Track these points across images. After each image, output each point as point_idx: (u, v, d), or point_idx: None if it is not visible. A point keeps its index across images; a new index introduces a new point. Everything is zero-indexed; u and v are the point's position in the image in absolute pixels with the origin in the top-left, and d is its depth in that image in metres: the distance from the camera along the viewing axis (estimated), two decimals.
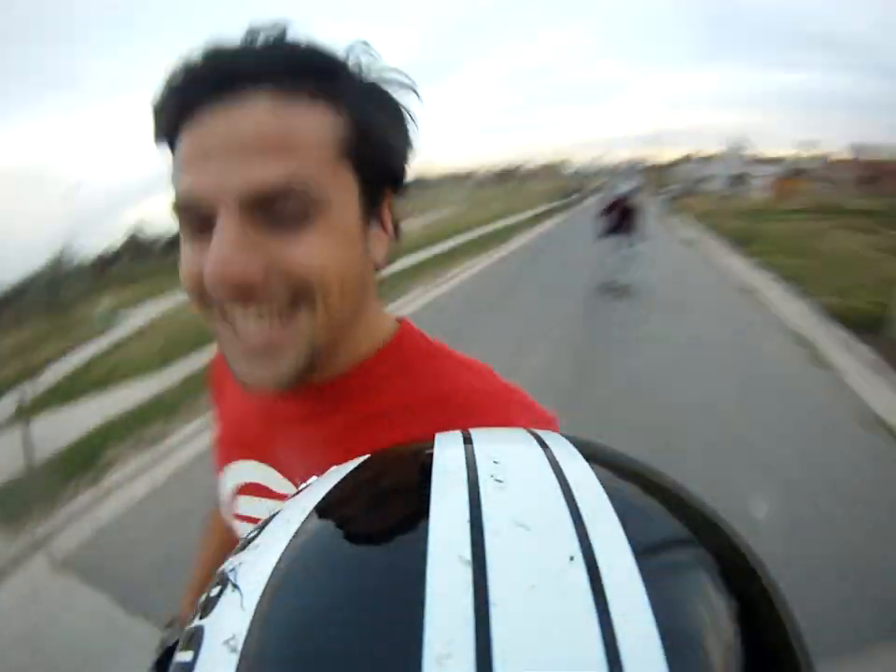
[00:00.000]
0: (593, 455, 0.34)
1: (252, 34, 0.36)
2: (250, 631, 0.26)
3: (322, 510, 0.32)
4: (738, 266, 9.31)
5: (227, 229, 0.35)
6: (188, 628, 0.30)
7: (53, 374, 8.12)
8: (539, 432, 0.37)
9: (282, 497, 0.52)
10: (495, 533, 0.27)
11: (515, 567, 0.25)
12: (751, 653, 0.25)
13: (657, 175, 57.13)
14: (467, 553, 0.26)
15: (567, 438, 0.36)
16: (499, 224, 19.93)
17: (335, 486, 0.34)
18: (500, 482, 0.30)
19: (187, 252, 0.38)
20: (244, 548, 0.33)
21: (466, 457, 0.33)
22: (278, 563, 0.29)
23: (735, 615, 0.26)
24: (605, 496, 0.29)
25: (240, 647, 0.26)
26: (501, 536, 0.26)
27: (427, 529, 0.27)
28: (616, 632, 0.23)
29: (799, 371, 4.45)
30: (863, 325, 5.08)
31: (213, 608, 0.29)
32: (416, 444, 0.37)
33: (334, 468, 0.37)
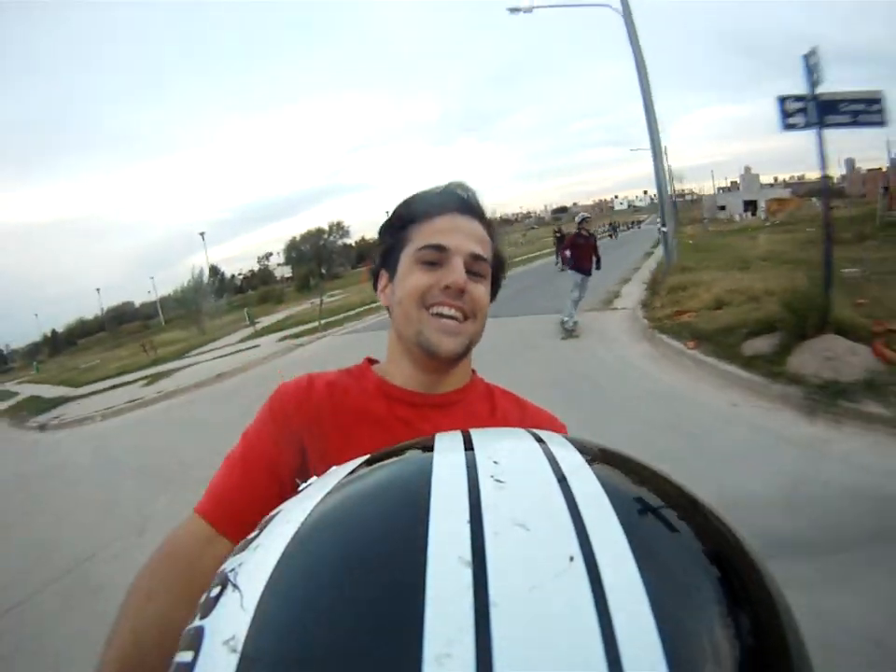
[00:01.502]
0: (592, 455, 0.34)
1: (463, 188, 0.78)
2: (250, 631, 0.26)
3: (322, 510, 0.32)
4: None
5: (461, 266, 0.71)
6: (188, 628, 0.30)
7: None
8: (539, 432, 0.37)
9: None
10: (495, 533, 0.27)
11: (515, 568, 0.25)
12: (750, 652, 0.26)
13: (680, 209, 63.34)
14: (467, 553, 0.26)
15: (567, 438, 0.37)
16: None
17: (335, 487, 0.34)
18: (500, 482, 0.30)
19: (417, 275, 0.72)
20: (244, 548, 0.33)
21: (466, 457, 0.33)
22: (278, 563, 0.29)
23: (734, 614, 0.27)
24: (605, 496, 0.29)
25: (240, 647, 0.26)
26: (501, 536, 0.27)
27: (427, 529, 0.27)
28: (616, 632, 0.23)
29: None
30: None
31: (213, 608, 0.30)
32: (416, 444, 0.37)
33: (334, 468, 0.38)
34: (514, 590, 0.24)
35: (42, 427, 10.04)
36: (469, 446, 0.34)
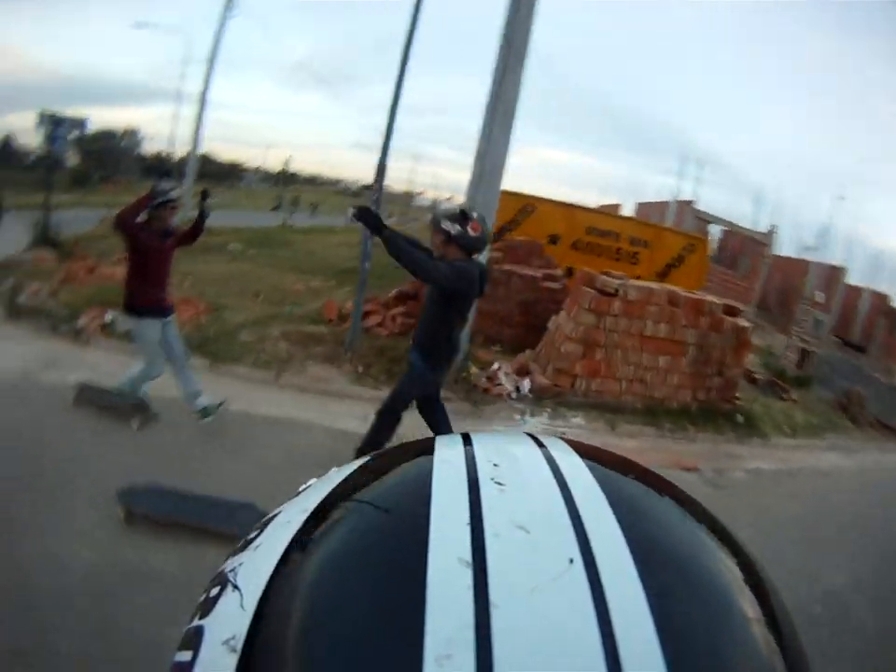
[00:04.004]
0: (592, 458, 0.34)
1: None
2: (250, 631, 0.27)
3: (322, 511, 0.32)
4: None
5: None
6: (187, 628, 0.30)
7: None
8: (539, 435, 0.38)
9: None
10: (495, 535, 0.27)
11: (515, 570, 0.26)
12: (748, 654, 0.26)
13: None
14: (467, 554, 0.26)
15: (566, 441, 0.37)
16: None
17: (335, 488, 0.34)
18: (500, 484, 0.30)
19: None
20: (244, 548, 0.33)
21: (466, 460, 0.33)
22: (279, 564, 0.29)
23: (732, 615, 0.27)
24: (604, 498, 0.30)
25: (240, 647, 0.26)
26: (501, 538, 0.27)
27: (427, 531, 0.27)
28: (615, 633, 0.23)
29: None
30: None
31: (213, 608, 0.30)
32: (417, 446, 0.37)
33: (334, 469, 0.38)
34: (514, 591, 0.25)
35: None
36: (469, 449, 0.35)
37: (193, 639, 0.29)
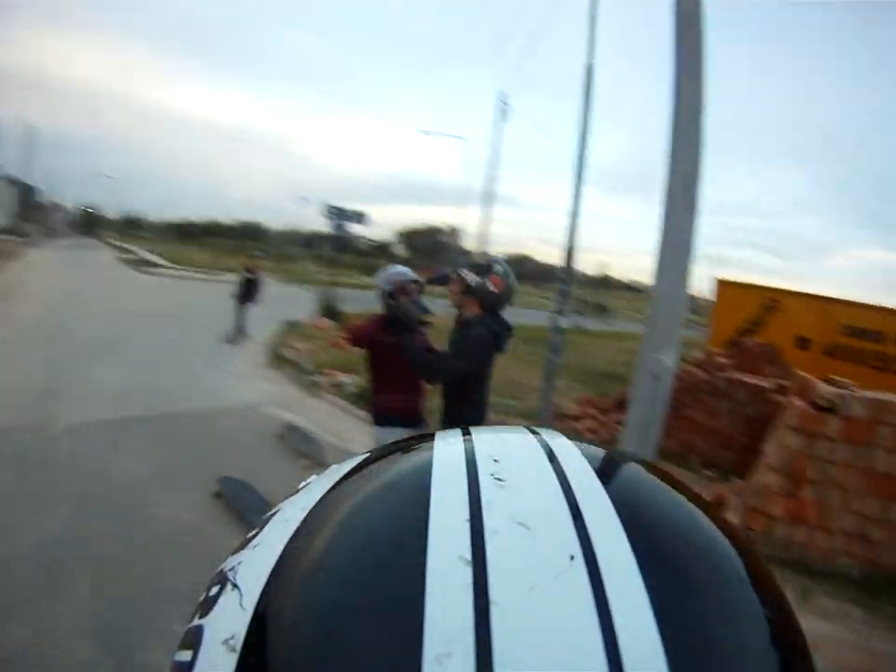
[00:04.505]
0: (593, 454, 0.34)
1: None
2: (250, 631, 0.27)
3: (321, 509, 0.32)
4: None
5: None
6: (187, 627, 0.30)
7: None
8: (540, 430, 0.37)
9: None
10: (495, 532, 0.27)
11: (515, 567, 0.25)
12: (751, 652, 0.26)
13: None
14: (467, 551, 0.26)
15: (567, 436, 0.37)
16: None
17: (334, 486, 0.34)
18: (501, 480, 0.30)
19: None
20: (243, 547, 0.33)
21: (466, 456, 0.33)
22: (278, 562, 0.29)
23: (736, 613, 0.27)
24: (605, 495, 0.29)
25: (239, 646, 0.26)
26: (501, 535, 0.27)
27: (426, 528, 0.27)
28: (617, 631, 0.23)
29: None
30: None
31: (212, 607, 0.30)
32: (416, 442, 0.37)
33: (334, 466, 0.38)
34: (515, 589, 0.24)
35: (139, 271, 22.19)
36: (468, 444, 0.34)
37: (193, 639, 0.29)
